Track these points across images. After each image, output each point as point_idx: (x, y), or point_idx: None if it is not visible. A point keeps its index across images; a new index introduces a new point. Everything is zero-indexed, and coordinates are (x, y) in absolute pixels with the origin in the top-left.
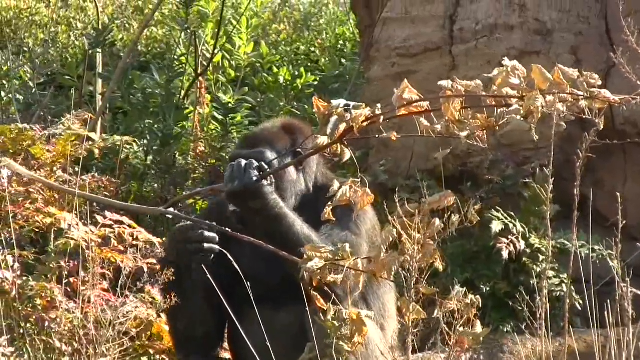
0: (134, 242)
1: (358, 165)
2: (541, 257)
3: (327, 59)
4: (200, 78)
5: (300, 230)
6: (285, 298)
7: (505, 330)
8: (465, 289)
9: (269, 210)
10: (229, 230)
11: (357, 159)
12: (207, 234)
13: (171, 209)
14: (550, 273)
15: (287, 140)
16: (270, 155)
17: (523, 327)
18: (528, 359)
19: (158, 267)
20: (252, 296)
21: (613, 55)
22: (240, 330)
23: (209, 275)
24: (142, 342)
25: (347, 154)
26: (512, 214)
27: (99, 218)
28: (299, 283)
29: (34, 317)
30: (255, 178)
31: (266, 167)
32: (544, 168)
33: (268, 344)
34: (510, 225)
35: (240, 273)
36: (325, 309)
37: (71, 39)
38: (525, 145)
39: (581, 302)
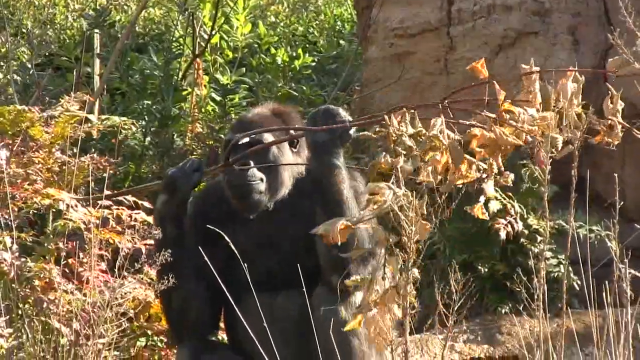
0: (132, 223)
1: (356, 147)
2: (539, 238)
3: (325, 40)
4: (198, 59)
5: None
6: (283, 283)
7: (503, 311)
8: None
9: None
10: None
11: (355, 140)
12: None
13: None
14: (548, 254)
15: (279, 123)
16: (268, 137)
17: (521, 308)
18: (526, 340)
19: (154, 248)
20: (249, 280)
21: (610, 36)
22: (239, 314)
23: (205, 257)
24: (140, 323)
25: None
26: (510, 194)
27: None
28: (297, 268)
29: (33, 298)
30: (192, 178)
31: (204, 167)
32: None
33: (266, 327)
34: (509, 206)
35: (238, 255)
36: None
37: (69, 20)
38: None
39: (579, 283)
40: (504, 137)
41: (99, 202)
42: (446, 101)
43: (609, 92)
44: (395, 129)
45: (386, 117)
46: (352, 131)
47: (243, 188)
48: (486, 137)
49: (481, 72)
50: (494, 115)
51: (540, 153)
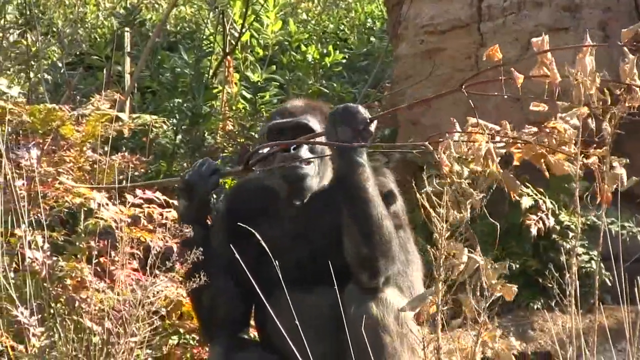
0: (163, 221)
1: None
2: (571, 234)
3: (355, 37)
4: (229, 57)
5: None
6: (314, 279)
7: (535, 307)
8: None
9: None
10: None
11: (385, 137)
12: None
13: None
14: (580, 250)
15: (318, 114)
16: (314, 123)
17: (553, 304)
18: (558, 336)
19: (181, 248)
20: (280, 277)
21: None
22: (270, 311)
23: (236, 254)
24: (172, 321)
25: None
26: (542, 190)
27: (129, 197)
28: (329, 264)
29: (64, 297)
30: (210, 181)
31: (221, 170)
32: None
33: (297, 324)
34: (540, 202)
35: (269, 252)
36: None
37: (100, 19)
38: None
39: (611, 278)
40: (560, 165)
41: (128, 198)
42: (464, 87)
43: (624, 57)
44: (453, 176)
45: (434, 152)
46: (372, 127)
47: (295, 170)
48: (529, 148)
49: (495, 56)
50: (534, 129)
51: (603, 188)
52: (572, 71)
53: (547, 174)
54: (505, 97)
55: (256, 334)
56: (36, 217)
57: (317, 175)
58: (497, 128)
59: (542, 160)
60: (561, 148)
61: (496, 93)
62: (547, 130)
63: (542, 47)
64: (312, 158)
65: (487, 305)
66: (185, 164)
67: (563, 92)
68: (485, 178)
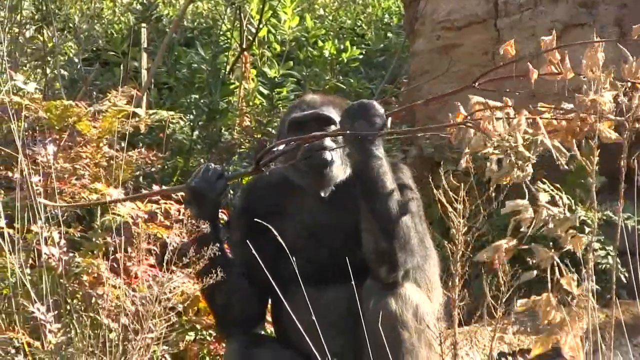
0: (180, 217)
1: (404, 139)
2: (587, 229)
3: (372, 32)
4: (246, 53)
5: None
6: (330, 276)
7: None
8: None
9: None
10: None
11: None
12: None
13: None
14: (596, 245)
15: (337, 107)
16: (334, 114)
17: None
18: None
19: (195, 247)
20: (297, 272)
21: None
22: (287, 307)
23: (253, 250)
24: (189, 317)
25: None
26: (558, 185)
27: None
28: (346, 260)
29: (81, 293)
30: (217, 186)
31: (227, 173)
32: (590, 140)
33: (314, 320)
34: (557, 197)
35: (286, 248)
36: None
37: (116, 15)
38: None
39: (627, 274)
40: (607, 134)
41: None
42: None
43: (625, 57)
44: (508, 141)
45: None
46: (388, 123)
47: (321, 157)
48: (560, 123)
49: (509, 52)
50: (570, 106)
51: None
52: (584, 66)
53: (578, 154)
54: (517, 94)
55: (272, 329)
56: (52, 212)
57: (342, 164)
58: (499, 104)
59: (573, 140)
60: (606, 116)
61: (508, 90)
62: (588, 103)
63: (551, 46)
64: (337, 147)
65: (503, 300)
66: (202, 160)
67: (577, 90)
68: (536, 144)
